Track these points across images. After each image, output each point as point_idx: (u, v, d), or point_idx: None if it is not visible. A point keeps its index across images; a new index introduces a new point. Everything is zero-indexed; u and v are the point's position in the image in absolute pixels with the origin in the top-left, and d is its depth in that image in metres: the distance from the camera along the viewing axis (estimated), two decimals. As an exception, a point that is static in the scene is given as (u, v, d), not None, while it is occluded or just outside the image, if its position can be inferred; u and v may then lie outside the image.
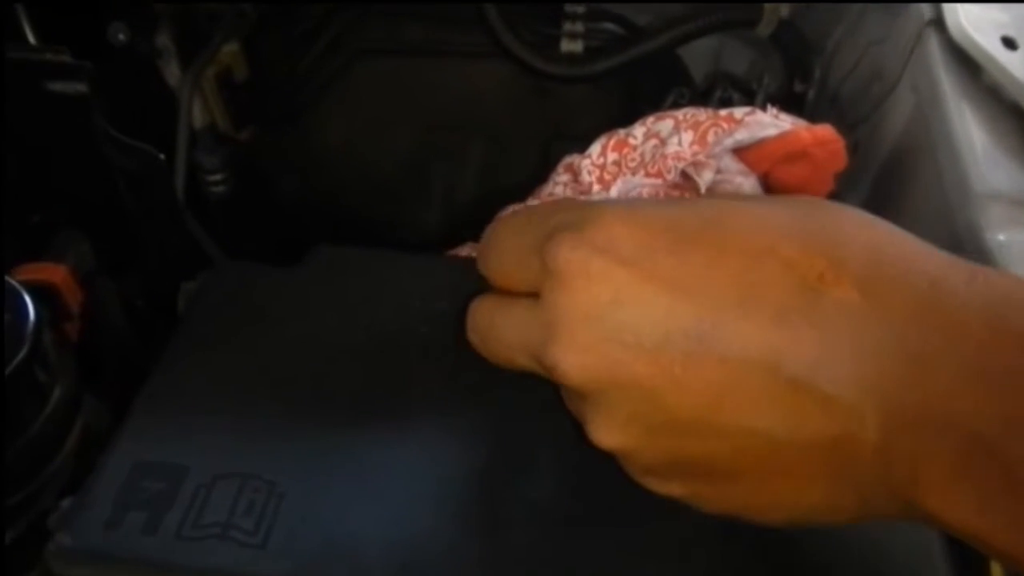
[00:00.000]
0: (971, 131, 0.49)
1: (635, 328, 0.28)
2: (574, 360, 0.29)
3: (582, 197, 0.56)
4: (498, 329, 0.34)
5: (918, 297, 0.27)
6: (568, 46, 0.79)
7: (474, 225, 0.92)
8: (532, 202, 0.61)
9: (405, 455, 0.37)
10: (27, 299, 0.36)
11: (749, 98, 0.68)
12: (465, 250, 0.60)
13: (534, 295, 0.32)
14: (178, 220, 0.45)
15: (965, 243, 0.48)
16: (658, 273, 0.28)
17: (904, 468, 0.26)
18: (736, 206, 0.30)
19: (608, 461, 0.32)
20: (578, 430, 0.33)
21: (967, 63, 0.52)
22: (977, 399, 0.25)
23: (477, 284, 0.44)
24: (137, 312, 0.50)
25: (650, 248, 0.29)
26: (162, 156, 0.42)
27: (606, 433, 0.31)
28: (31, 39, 0.55)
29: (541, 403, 0.37)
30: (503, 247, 0.34)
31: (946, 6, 0.53)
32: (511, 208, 0.59)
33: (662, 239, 0.29)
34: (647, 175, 0.54)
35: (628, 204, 0.31)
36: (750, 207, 0.30)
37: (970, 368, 0.26)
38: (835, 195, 0.63)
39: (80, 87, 0.43)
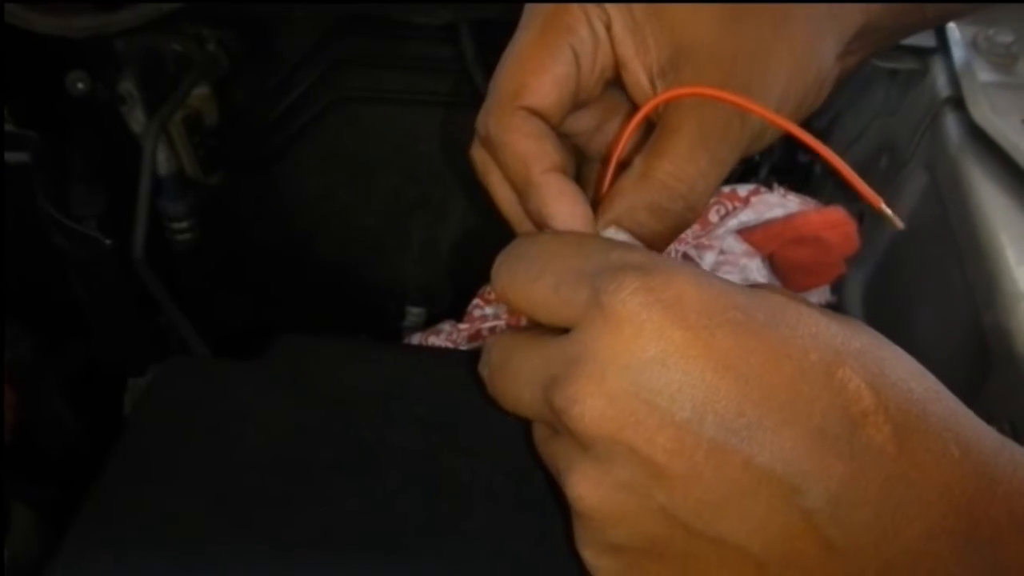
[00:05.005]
0: (997, 224, 0.45)
1: (671, 396, 0.26)
2: (595, 404, 0.27)
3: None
4: (514, 362, 0.31)
5: (950, 466, 0.26)
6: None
7: (454, 276, 0.91)
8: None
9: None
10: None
11: (751, 168, 0.64)
12: (444, 329, 0.56)
13: (557, 330, 0.29)
14: (127, 305, 0.40)
15: (992, 344, 0.44)
16: (714, 349, 0.26)
17: None
18: (803, 311, 0.28)
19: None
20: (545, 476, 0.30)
21: (988, 145, 0.49)
22: None
23: (461, 382, 0.41)
24: (80, 396, 0.45)
25: (714, 321, 0.26)
26: (109, 242, 0.38)
27: (592, 487, 0.28)
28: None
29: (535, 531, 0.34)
30: (545, 266, 0.30)
31: (967, 86, 0.50)
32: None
33: (727, 316, 0.27)
34: (645, 256, 0.50)
35: (700, 271, 0.28)
36: (816, 317, 0.28)
37: (985, 561, 0.25)
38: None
39: (23, 157, 0.38)
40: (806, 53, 0.34)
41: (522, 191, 0.33)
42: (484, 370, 0.33)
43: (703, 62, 0.32)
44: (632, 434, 0.26)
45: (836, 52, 0.35)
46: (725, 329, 0.26)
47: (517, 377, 0.30)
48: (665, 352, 0.26)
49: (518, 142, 0.33)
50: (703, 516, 0.26)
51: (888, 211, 0.31)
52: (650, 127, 0.33)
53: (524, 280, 0.30)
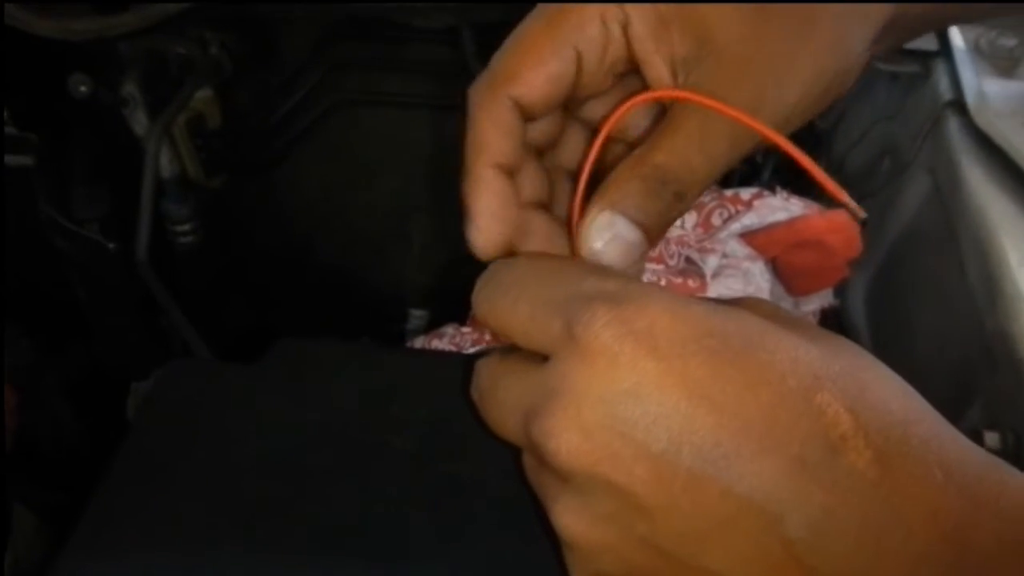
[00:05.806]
0: (999, 227, 0.45)
1: (647, 428, 0.26)
2: (570, 439, 0.27)
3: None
4: (499, 390, 0.30)
5: (934, 490, 0.25)
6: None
7: (457, 278, 0.91)
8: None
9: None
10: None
11: (754, 171, 0.64)
12: (448, 332, 0.56)
13: (540, 356, 0.28)
14: (130, 307, 0.40)
15: (995, 350, 0.44)
16: (688, 379, 0.26)
17: None
18: (781, 335, 0.27)
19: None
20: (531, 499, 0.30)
21: (990, 148, 0.49)
22: None
23: (463, 385, 0.41)
24: (82, 399, 0.45)
25: (688, 350, 0.26)
26: (112, 246, 0.38)
27: (574, 519, 0.28)
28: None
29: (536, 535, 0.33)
30: (520, 294, 0.29)
31: (969, 89, 0.50)
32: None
33: (702, 344, 0.26)
34: (647, 260, 0.50)
35: (674, 296, 0.27)
36: (793, 339, 0.27)
37: None
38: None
39: (24, 160, 0.38)
40: (829, 55, 0.33)
41: (464, 172, 0.32)
42: (474, 394, 0.32)
43: (721, 59, 0.31)
44: (609, 467, 0.26)
45: (864, 46, 0.35)
46: (699, 358, 0.26)
47: (502, 406, 0.30)
48: (639, 384, 0.26)
49: (486, 130, 0.32)
50: (685, 547, 0.26)
51: (852, 203, 0.31)
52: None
53: (501, 307, 0.30)
